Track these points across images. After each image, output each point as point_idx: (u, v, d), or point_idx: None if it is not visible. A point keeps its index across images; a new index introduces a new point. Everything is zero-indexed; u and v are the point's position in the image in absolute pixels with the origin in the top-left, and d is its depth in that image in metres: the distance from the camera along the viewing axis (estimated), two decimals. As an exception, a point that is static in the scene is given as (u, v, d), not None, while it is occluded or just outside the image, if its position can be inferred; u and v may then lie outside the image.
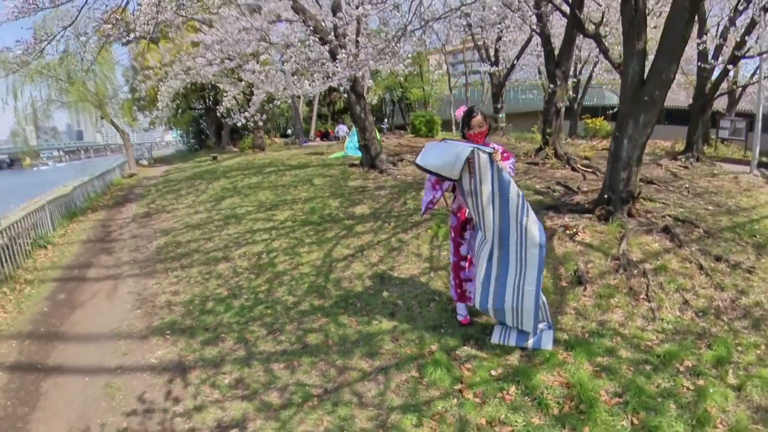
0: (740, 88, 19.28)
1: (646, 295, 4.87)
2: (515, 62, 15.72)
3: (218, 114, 16.18)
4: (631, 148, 6.50)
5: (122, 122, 25.28)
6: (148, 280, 7.00)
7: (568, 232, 6.34)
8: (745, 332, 4.26)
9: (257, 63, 12.67)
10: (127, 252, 8.65)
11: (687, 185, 9.47)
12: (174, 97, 15.86)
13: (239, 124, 13.77)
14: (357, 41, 10.54)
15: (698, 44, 11.83)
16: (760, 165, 13.26)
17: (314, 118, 28.92)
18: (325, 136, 27.05)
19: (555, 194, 8.42)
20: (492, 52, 15.74)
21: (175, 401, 4.01)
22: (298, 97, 20.83)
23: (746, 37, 11.69)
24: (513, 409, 3.52)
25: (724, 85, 16.67)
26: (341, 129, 25.05)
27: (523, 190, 8.17)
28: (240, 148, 25.81)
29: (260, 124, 14.99)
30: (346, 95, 12.07)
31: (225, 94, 16.18)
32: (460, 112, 4.50)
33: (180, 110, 29.06)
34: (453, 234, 4.66)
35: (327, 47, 10.47)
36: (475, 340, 4.44)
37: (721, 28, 12.38)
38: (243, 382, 4.16)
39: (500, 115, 16.72)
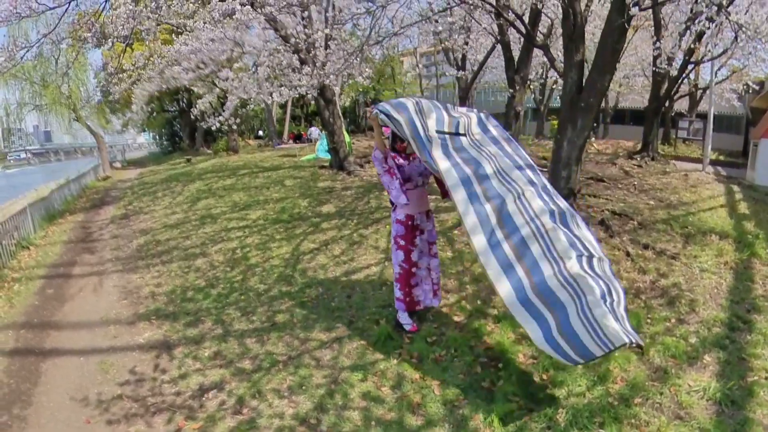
0: (700, 90, 20.25)
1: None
2: (482, 67, 16.23)
3: (192, 116, 16.54)
4: (570, 149, 6.99)
5: (95, 125, 25.43)
6: (132, 275, 7.55)
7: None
8: (660, 308, 4.80)
9: (231, 71, 13.18)
10: (109, 251, 9.16)
11: (635, 182, 10.05)
12: (148, 100, 16.19)
13: (213, 128, 14.17)
14: (326, 48, 11.06)
15: (654, 49, 11.97)
16: (712, 163, 13.96)
17: (287, 120, 29.41)
18: (297, 138, 27.52)
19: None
20: (459, 56, 16.27)
21: (162, 372, 4.67)
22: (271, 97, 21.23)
23: (697, 44, 12.18)
24: (443, 368, 4.24)
25: (685, 88, 17.54)
26: (313, 131, 25.57)
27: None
28: (214, 150, 26.24)
29: (234, 127, 15.44)
30: (314, 101, 12.57)
31: (199, 97, 16.53)
32: (388, 131, 4.42)
33: (154, 112, 29.29)
34: (402, 242, 4.59)
35: (296, 56, 11.02)
36: (417, 316, 5.07)
37: (675, 34, 12.88)
38: (221, 354, 4.85)
39: (468, 119, 17.19)
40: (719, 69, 18.53)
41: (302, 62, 10.87)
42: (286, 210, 9.70)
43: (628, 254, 6.04)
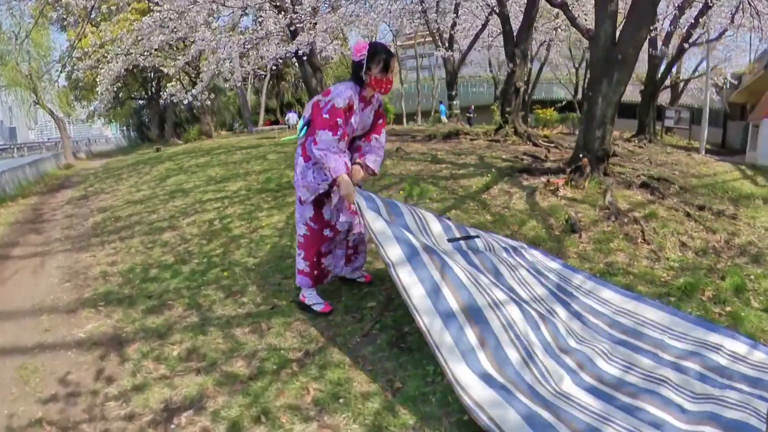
0: (683, 82, 19.92)
1: (644, 239, 4.54)
2: (472, 47, 15.48)
3: (161, 102, 14.92)
4: (605, 106, 6.37)
5: (58, 109, 23.29)
6: (81, 254, 5.96)
7: (550, 187, 5.86)
8: (749, 266, 4.16)
9: (208, 30, 11.69)
10: (60, 230, 7.51)
11: (647, 158, 9.44)
12: (114, 80, 14.58)
13: (185, 103, 12.70)
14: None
15: (649, 32, 11.79)
16: (706, 152, 13.72)
17: (262, 106, 27.81)
18: (274, 124, 25.91)
19: (524, 162, 7.99)
20: (447, 38, 15.38)
21: (107, 381, 3.08)
22: (245, 82, 19.81)
23: (692, 31, 12.07)
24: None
25: (667, 82, 17.23)
26: (291, 116, 23.91)
27: (490, 160, 8.15)
28: (185, 140, 24.23)
29: (207, 104, 13.93)
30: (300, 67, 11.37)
31: (169, 80, 15.04)
32: (360, 47, 3.11)
33: (120, 102, 27.23)
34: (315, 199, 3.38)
35: (284, 17, 9.76)
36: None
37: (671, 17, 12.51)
38: (197, 352, 3.28)
39: (455, 102, 16.38)
40: (700, 63, 18.39)
41: (290, 28, 9.61)
42: (273, 180, 8.22)
43: (688, 214, 5.24)
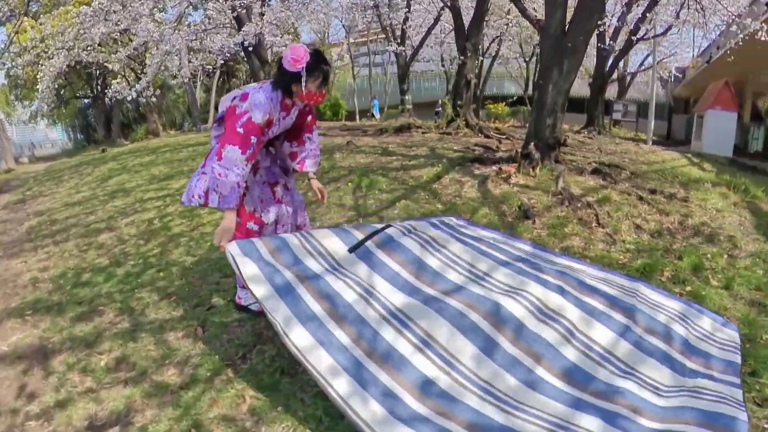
0: (630, 76, 20.41)
1: (598, 223, 4.47)
2: (424, 41, 15.35)
3: (107, 101, 14.20)
4: (555, 94, 6.35)
5: (-4, 110, 21.90)
6: (12, 261, 5.48)
7: (502, 175, 5.74)
8: (704, 246, 4.17)
9: (152, 22, 11.15)
10: (-10, 237, 6.97)
11: (597, 147, 9.53)
12: (55, 77, 13.78)
13: (130, 101, 12.10)
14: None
15: (597, 26, 11.92)
16: (653, 143, 13.97)
17: (212, 104, 26.95)
18: None
19: (476, 152, 7.89)
20: (399, 33, 15.23)
21: (29, 398, 2.76)
22: (194, 79, 19.11)
23: (640, 25, 12.31)
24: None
25: (615, 76, 17.64)
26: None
27: (441, 152, 8.03)
28: (132, 140, 23.19)
29: (153, 101, 13.30)
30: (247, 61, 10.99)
31: (114, 77, 14.31)
32: (299, 56, 2.59)
33: (64, 101, 25.86)
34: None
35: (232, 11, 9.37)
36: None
37: (619, 12, 12.79)
38: (126, 361, 2.98)
39: (406, 97, 16.21)
40: (646, 58, 18.90)
41: (238, 20, 9.22)
42: None
43: (641, 198, 5.22)
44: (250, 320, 3.22)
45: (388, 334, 2.23)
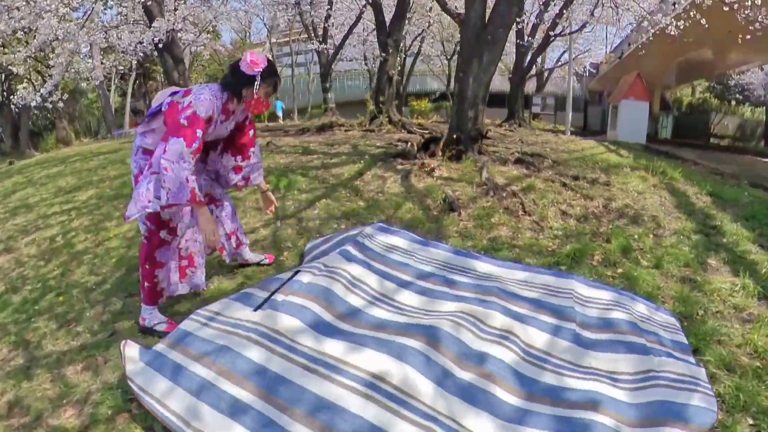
0: (547, 72, 21.15)
1: (524, 211, 4.34)
2: (346, 39, 15.09)
3: (13, 108, 12.86)
4: (476, 86, 6.25)
5: None
6: None
7: (425, 168, 5.54)
8: (629, 227, 4.16)
9: (55, 18, 10.14)
10: None
11: (519, 139, 9.60)
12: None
13: (34, 106, 10.96)
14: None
15: (516, 22, 12.33)
16: (571, 133, 14.50)
17: (127, 107, 25.37)
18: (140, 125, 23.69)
19: (398, 148, 7.69)
20: (320, 31, 14.94)
21: None
22: (109, 83, 17.84)
23: (557, 20, 12.70)
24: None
25: (533, 71, 18.19)
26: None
27: (364, 149, 7.79)
28: (42, 150, 21.34)
29: (61, 105, 12.11)
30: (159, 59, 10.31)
31: (21, 82, 12.98)
32: (258, 60, 2.63)
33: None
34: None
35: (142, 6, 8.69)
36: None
37: (537, 9, 13.27)
38: (21, 404, 2.47)
39: (329, 95, 15.89)
40: (563, 54, 19.74)
41: (147, 12, 8.55)
42: (128, 185, 7.15)
43: (564, 184, 5.19)
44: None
45: (314, 382, 2.02)
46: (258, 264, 3.54)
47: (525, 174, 5.54)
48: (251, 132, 3.04)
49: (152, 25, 9.78)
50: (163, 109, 2.64)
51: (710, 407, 1.97)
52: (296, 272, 2.72)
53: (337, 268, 2.75)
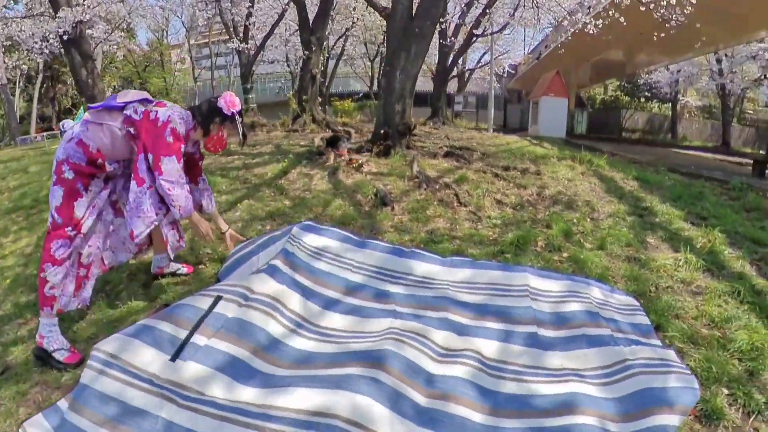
0: (469, 72, 21.52)
1: (459, 202, 4.19)
2: (268, 37, 14.59)
3: None
4: (404, 79, 6.14)
5: None
6: None
7: (352, 164, 5.26)
8: (566, 213, 4.14)
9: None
10: None
11: (445, 135, 9.64)
12: None
13: None
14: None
15: (440, 23, 12.37)
16: (492, 130, 14.79)
17: (34, 114, 23.40)
18: (47, 131, 21.80)
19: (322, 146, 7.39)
20: (241, 29, 14.35)
21: None
22: (12, 84, 16.22)
23: (480, 19, 12.82)
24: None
25: (455, 72, 18.42)
26: (66, 124, 20.34)
27: (287, 148, 7.42)
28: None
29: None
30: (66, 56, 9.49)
31: None
32: (235, 102, 2.76)
33: None
34: (73, 183, 2.55)
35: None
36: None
37: (459, 11, 13.47)
38: None
39: (250, 96, 15.28)
40: (483, 55, 20.23)
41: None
42: (29, 194, 6.36)
43: (496, 175, 5.14)
44: (57, 380, 2.33)
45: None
46: (174, 274, 3.13)
47: (456, 166, 5.43)
48: (200, 162, 3.06)
49: (57, 15, 8.95)
50: (132, 114, 2.58)
51: (690, 385, 1.93)
52: (218, 298, 2.31)
53: (264, 296, 2.36)
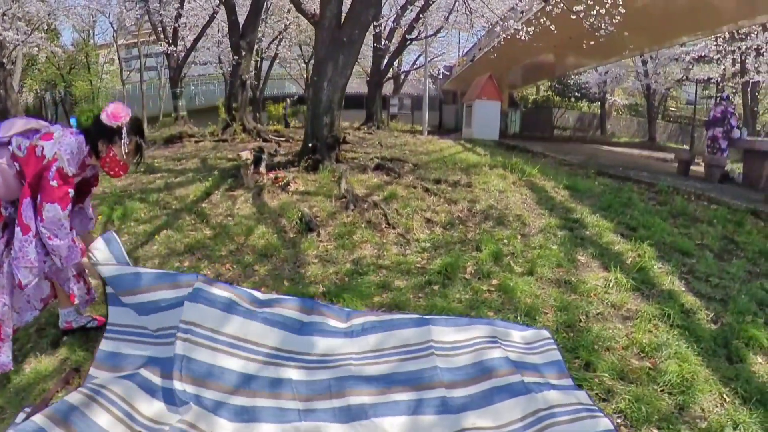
0: (404, 74, 21.54)
1: (388, 224, 4.01)
2: (198, 40, 13.99)
3: None
4: (331, 90, 5.96)
5: None
6: None
7: (278, 183, 4.98)
8: (496, 230, 4.03)
9: None
10: None
11: (378, 142, 9.41)
12: None
13: None
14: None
15: (374, 26, 12.50)
16: (428, 132, 14.78)
17: None
18: None
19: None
20: (170, 31, 13.66)
21: None
22: None
23: (414, 24, 12.96)
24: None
25: (390, 74, 18.37)
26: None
27: (214, 162, 7.03)
28: None
29: None
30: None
31: None
32: (120, 113, 2.35)
33: None
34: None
35: None
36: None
37: (394, 14, 13.47)
38: None
39: (180, 101, 14.56)
40: (418, 57, 20.26)
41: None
42: None
43: (426, 189, 5.00)
44: None
45: None
46: (84, 328, 2.74)
47: (386, 181, 5.26)
48: (91, 189, 2.72)
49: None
50: (15, 151, 2.30)
51: (606, 428, 1.85)
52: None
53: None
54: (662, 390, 2.16)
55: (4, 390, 2.39)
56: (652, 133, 19.99)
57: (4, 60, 9.36)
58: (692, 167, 8.84)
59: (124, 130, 2.33)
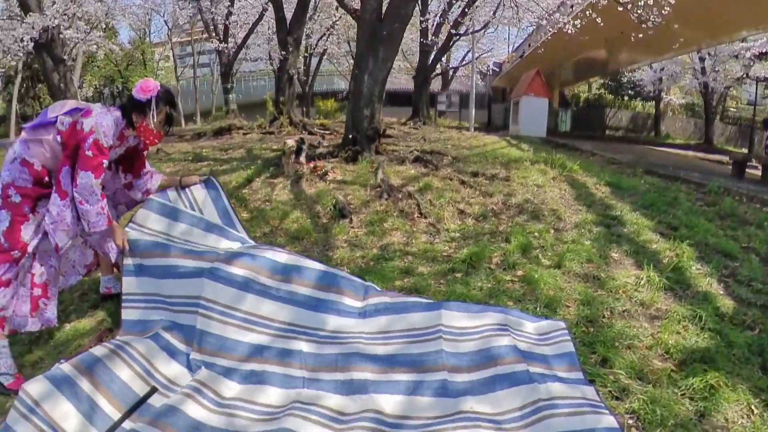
0: (452, 70, 21.35)
1: (420, 213, 4.02)
2: (248, 37, 14.38)
3: None
4: (372, 83, 6.00)
5: None
6: None
7: (317, 172, 5.07)
8: (530, 224, 3.95)
9: None
10: None
11: (422, 137, 9.40)
12: None
13: None
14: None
15: (420, 22, 12.65)
16: (474, 129, 14.66)
17: (13, 115, 22.66)
18: None
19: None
20: (221, 28, 14.13)
21: None
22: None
23: (460, 20, 12.73)
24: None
25: (438, 70, 18.27)
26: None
27: (258, 152, 7.23)
28: None
29: None
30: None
31: None
32: (149, 86, 2.58)
33: None
34: (20, 207, 2.52)
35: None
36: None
37: (441, 9, 13.30)
38: None
39: (230, 96, 14.99)
40: (467, 53, 20.07)
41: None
42: None
43: (462, 182, 4.96)
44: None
45: None
46: (120, 296, 2.98)
47: (423, 173, 5.25)
48: (145, 152, 2.95)
49: (25, 20, 8.71)
50: (59, 126, 2.51)
51: (610, 426, 1.78)
52: (153, 390, 2.14)
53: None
54: (683, 394, 2.05)
55: (45, 344, 2.67)
56: (709, 135, 19.00)
57: (65, 56, 9.88)
58: (749, 170, 8.42)
59: (153, 102, 2.54)
